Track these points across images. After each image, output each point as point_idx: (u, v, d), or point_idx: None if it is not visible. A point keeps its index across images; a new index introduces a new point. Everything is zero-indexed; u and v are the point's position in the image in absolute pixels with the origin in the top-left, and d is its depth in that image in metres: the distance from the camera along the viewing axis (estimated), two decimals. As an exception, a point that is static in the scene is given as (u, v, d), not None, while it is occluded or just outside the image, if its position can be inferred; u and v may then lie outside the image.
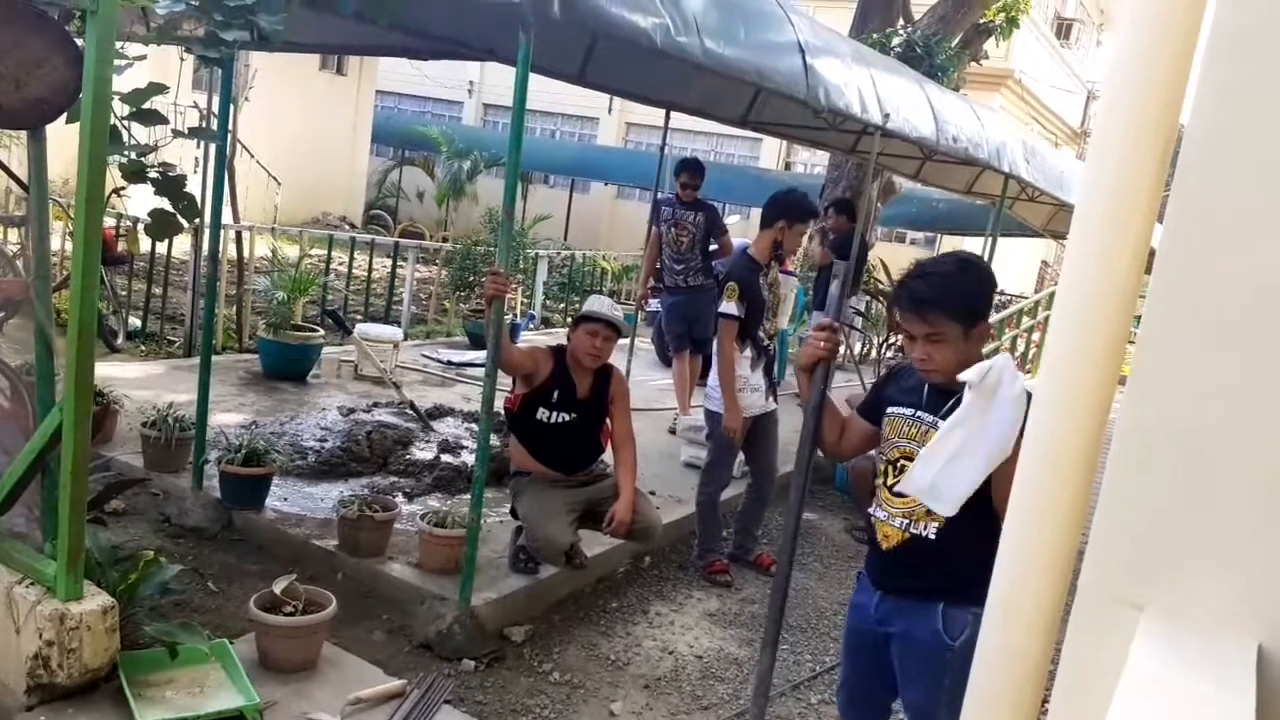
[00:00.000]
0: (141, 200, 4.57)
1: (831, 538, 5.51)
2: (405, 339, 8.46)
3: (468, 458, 5.51)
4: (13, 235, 7.85)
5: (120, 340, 7.22)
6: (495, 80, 22.04)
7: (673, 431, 6.59)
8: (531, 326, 10.17)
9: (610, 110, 20.70)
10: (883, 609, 2.46)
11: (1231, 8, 0.89)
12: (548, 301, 11.44)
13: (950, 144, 6.63)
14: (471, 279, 9.40)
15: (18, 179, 3.03)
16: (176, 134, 3.43)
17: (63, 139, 2.99)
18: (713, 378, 4.67)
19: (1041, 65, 18.47)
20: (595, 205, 20.10)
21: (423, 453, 5.53)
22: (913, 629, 2.40)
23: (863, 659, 2.60)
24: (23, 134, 3.27)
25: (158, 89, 3.25)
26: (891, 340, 7.41)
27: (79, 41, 2.81)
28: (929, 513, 2.34)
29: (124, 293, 8.18)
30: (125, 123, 3.23)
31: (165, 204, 3.41)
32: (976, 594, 2.25)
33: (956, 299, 2.30)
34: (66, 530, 2.73)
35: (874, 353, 7.91)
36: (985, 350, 2.46)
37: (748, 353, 4.57)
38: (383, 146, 20.86)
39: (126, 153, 3.25)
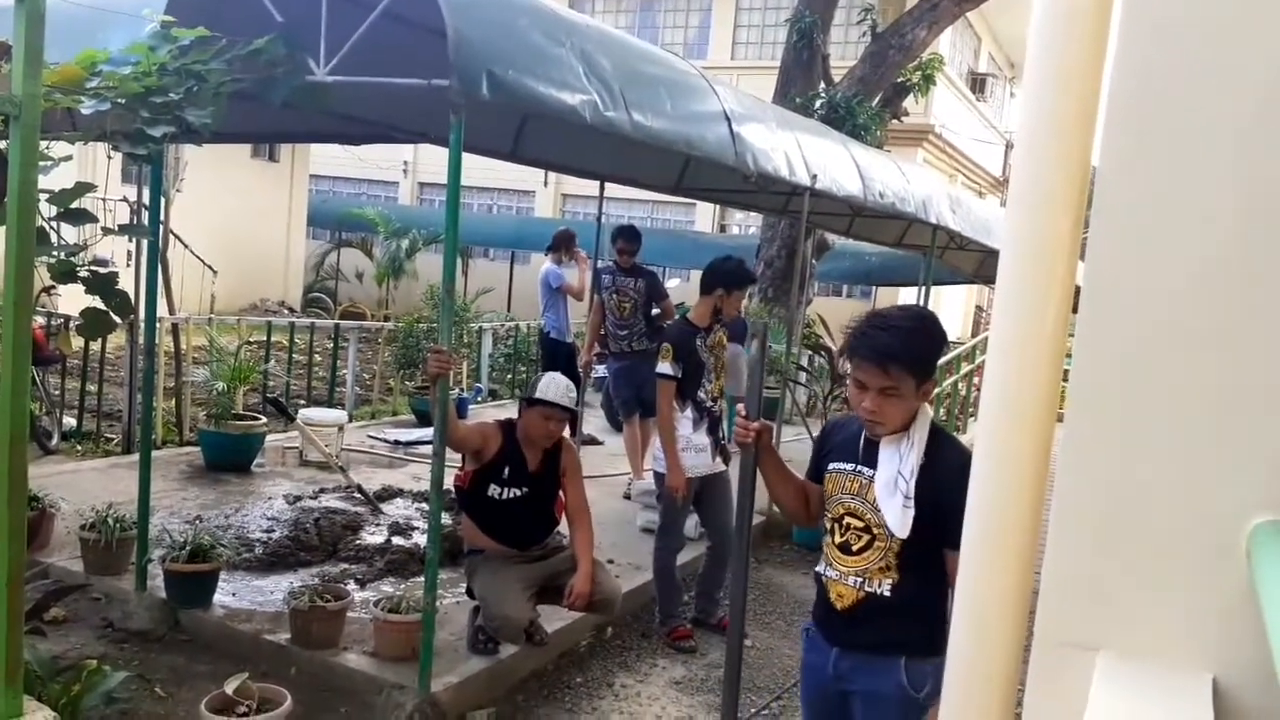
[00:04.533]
0: (73, 297, 4.51)
1: (793, 594, 5.50)
2: (350, 421, 8.35)
3: (420, 539, 5.42)
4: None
5: (55, 441, 7.01)
6: (429, 159, 22.16)
7: (628, 497, 6.56)
8: (479, 400, 10.10)
9: (546, 183, 20.90)
10: (841, 666, 2.44)
11: (1129, 55, 0.94)
12: (494, 374, 11.40)
13: (878, 200, 6.83)
14: (415, 356, 9.34)
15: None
16: (107, 231, 3.40)
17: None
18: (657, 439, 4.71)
19: (959, 119, 19.14)
20: (536, 276, 20.13)
21: (373, 537, 5.43)
22: (876, 685, 2.39)
23: (824, 718, 2.58)
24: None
25: (86, 188, 3.21)
26: (836, 392, 7.50)
27: (1, 145, 2.79)
28: (882, 569, 2.35)
29: (57, 392, 7.96)
30: (53, 223, 3.18)
31: (97, 302, 3.36)
32: (937, 646, 2.28)
33: (918, 354, 2.30)
34: (3, 645, 2.62)
35: (819, 404, 8.00)
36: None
37: (689, 413, 4.61)
38: (319, 230, 20.77)
39: (55, 253, 3.20)
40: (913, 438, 2.33)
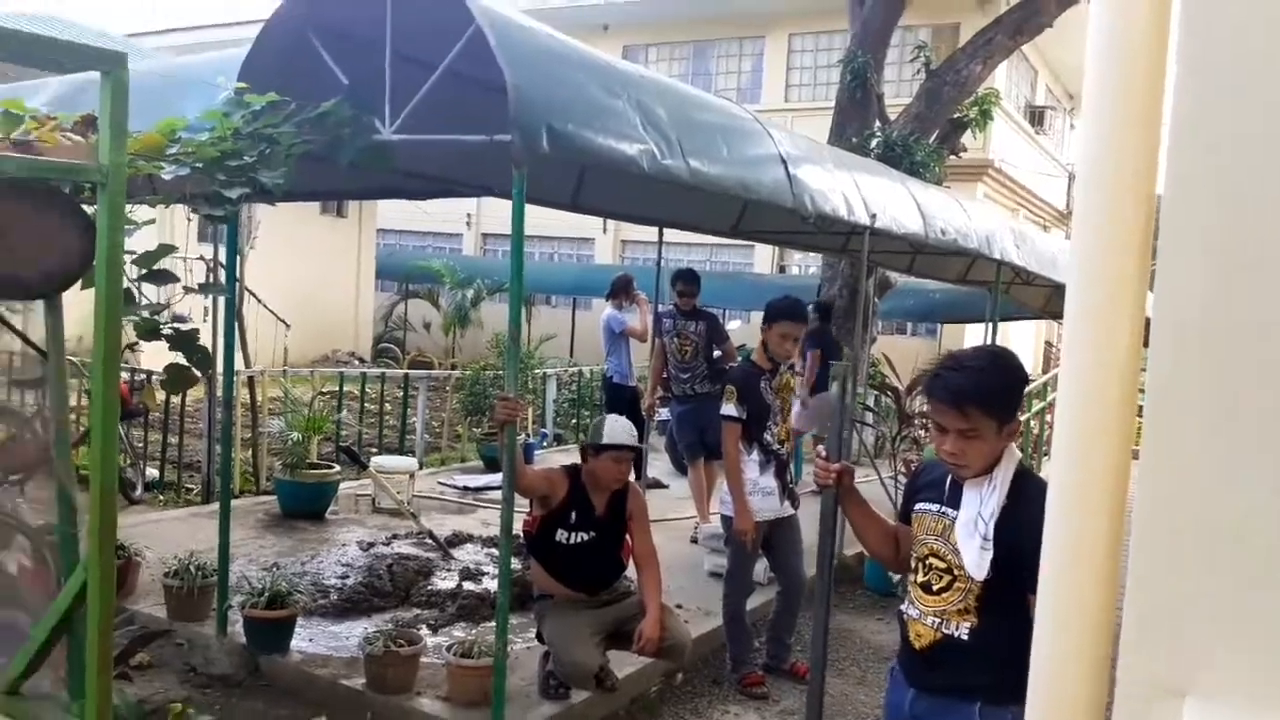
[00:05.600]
0: (154, 353, 4.70)
1: (867, 640, 5.40)
2: (421, 468, 8.47)
3: (490, 584, 5.46)
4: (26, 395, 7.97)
5: (139, 492, 7.24)
6: (492, 211, 22.60)
7: (694, 541, 6.54)
8: (545, 445, 10.18)
9: (605, 230, 21.15)
10: (918, 707, 2.41)
11: (1191, 79, 0.94)
12: (559, 418, 11.49)
13: (939, 237, 6.78)
14: (482, 403, 9.48)
15: (36, 346, 3.11)
16: (187, 290, 3.54)
17: (77, 298, 3.09)
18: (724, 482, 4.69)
19: (1019, 152, 18.94)
20: (597, 321, 20.31)
21: (444, 582, 5.49)
22: None
23: None
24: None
25: (168, 249, 3.36)
26: (904, 433, 7.41)
27: (89, 210, 2.92)
28: (961, 611, 2.32)
29: (140, 444, 8.23)
30: (137, 284, 3.33)
31: (179, 358, 3.50)
32: (1014, 693, 2.23)
33: (994, 394, 2.28)
34: (94, 689, 2.71)
35: (888, 445, 7.90)
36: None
37: (755, 456, 4.59)
38: (387, 282, 21.28)
39: (140, 312, 3.34)
40: (996, 479, 2.30)
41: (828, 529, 2.58)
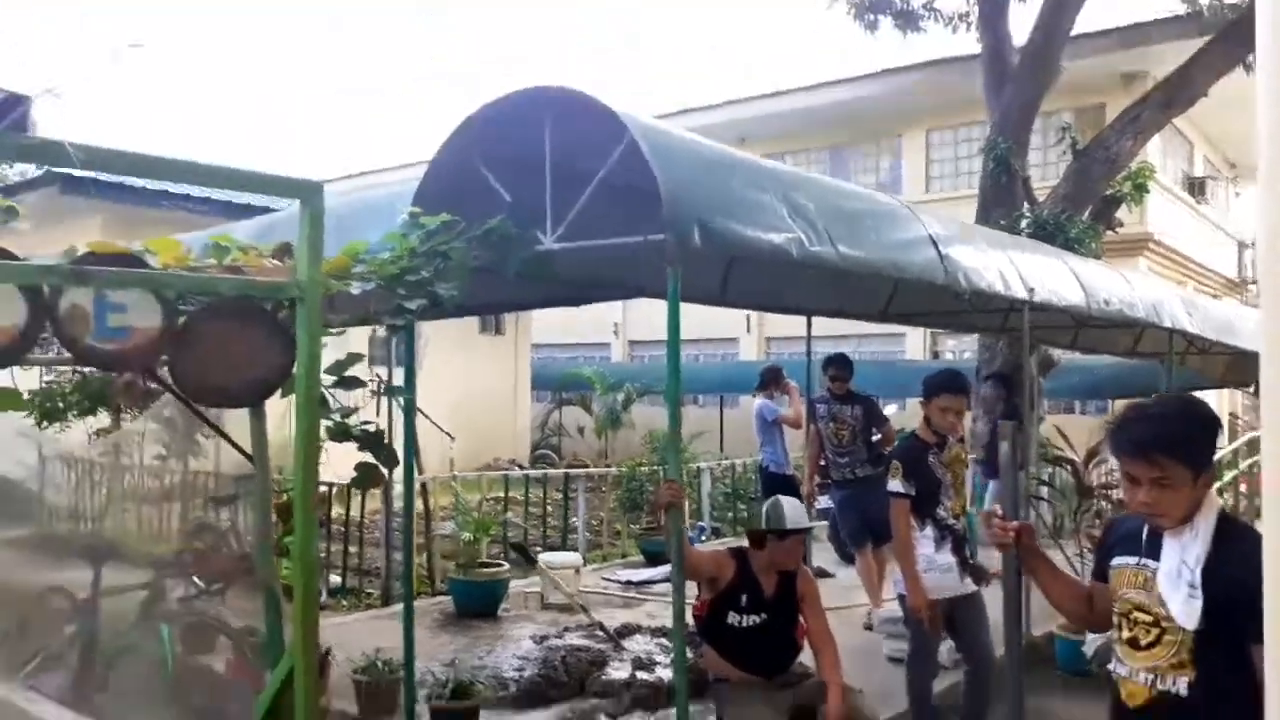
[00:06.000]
0: (329, 464, 5.11)
1: (1061, 718, 5.10)
2: (584, 564, 8.61)
3: (663, 673, 5.47)
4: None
5: (323, 597, 7.64)
6: (637, 319, 23.29)
7: (869, 628, 6.37)
8: (704, 538, 10.13)
9: (749, 329, 21.35)
10: None
11: None
12: (715, 512, 11.48)
13: (1103, 308, 6.58)
14: (640, 499, 9.63)
15: (244, 451, 3.43)
16: (375, 393, 3.84)
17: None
18: None
19: (1181, 224, 18.16)
20: (745, 417, 20.35)
21: (618, 672, 5.53)
22: None
23: None
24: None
25: (356, 358, 3.68)
26: (1085, 507, 7.07)
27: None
28: (1175, 665, 2.22)
29: (322, 553, 8.71)
30: (330, 390, 3.64)
31: (349, 462, 3.77)
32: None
33: (1182, 440, 2.24)
34: (303, 771, 2.88)
35: (1067, 522, 7.53)
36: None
37: (929, 532, 4.50)
38: (541, 391, 22.04)
39: (332, 416, 3.64)
40: (1198, 526, 2.23)
41: (1012, 592, 2.53)
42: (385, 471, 3.78)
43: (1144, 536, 2.34)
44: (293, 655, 2.94)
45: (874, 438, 6.90)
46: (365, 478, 3.66)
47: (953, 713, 4.77)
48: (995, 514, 2.59)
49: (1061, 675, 5.78)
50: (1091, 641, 5.40)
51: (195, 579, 5.93)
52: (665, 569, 8.32)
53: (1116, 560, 2.40)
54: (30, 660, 4.97)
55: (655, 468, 10.09)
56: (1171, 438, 2.24)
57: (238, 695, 4.53)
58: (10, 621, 5.19)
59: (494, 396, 18.77)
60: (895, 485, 4.50)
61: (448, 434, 15.06)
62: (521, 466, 18.21)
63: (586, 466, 17.14)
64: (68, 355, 2.92)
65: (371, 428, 3.84)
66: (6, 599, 5.52)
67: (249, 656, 4.91)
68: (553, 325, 21.37)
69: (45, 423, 7.23)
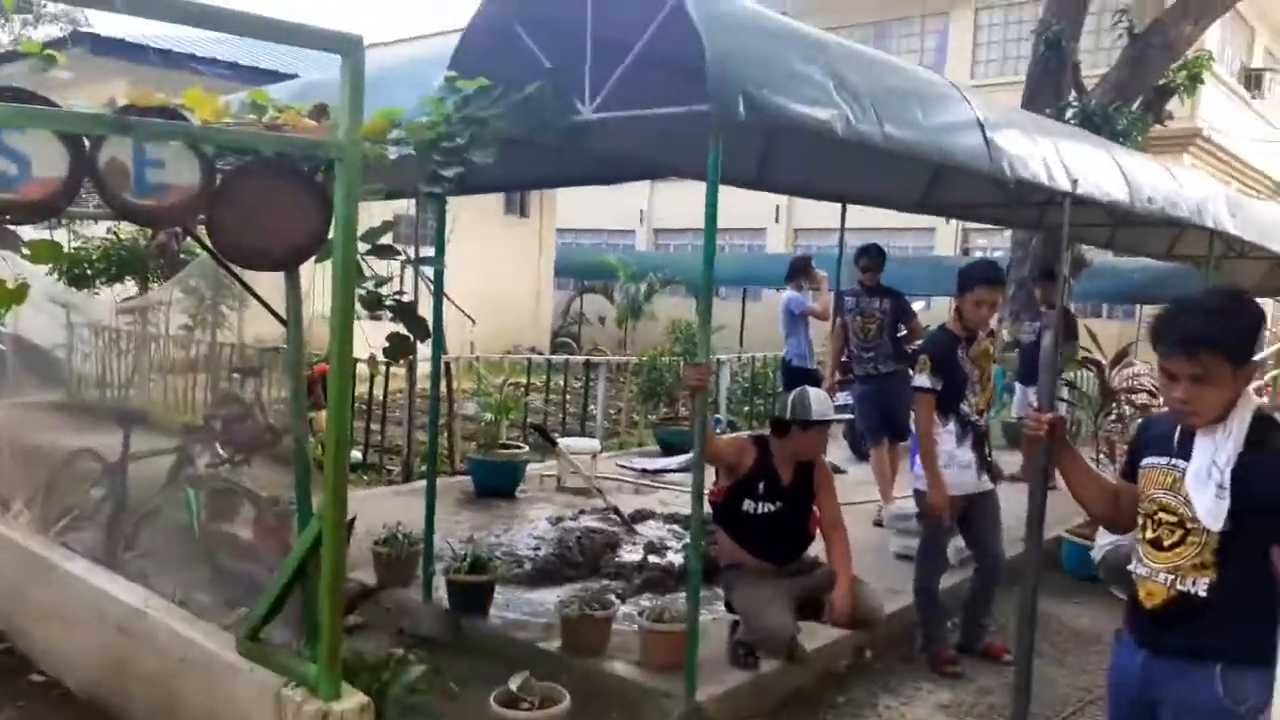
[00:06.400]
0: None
1: (1066, 623, 5.17)
2: (601, 451, 8.69)
3: (674, 558, 5.57)
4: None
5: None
6: (664, 207, 22.98)
7: (879, 524, 6.41)
8: (720, 431, 10.17)
9: (777, 219, 21.05)
10: (1149, 671, 2.29)
11: None
12: (732, 405, 11.51)
13: (1145, 205, 6.36)
14: (659, 389, 9.64)
15: (278, 315, 3.39)
16: (407, 262, 3.78)
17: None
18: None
19: (1232, 120, 17.52)
20: (767, 311, 20.28)
21: (630, 555, 5.63)
22: (1187, 695, 2.22)
23: None
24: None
25: (390, 225, 3.60)
26: (1107, 411, 7.00)
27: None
28: (1197, 566, 2.19)
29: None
30: (363, 258, 3.57)
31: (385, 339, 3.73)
32: (1264, 654, 2.10)
33: (1228, 336, 2.16)
34: (327, 632, 2.93)
35: (1086, 425, 7.48)
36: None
37: (951, 428, 4.45)
38: (563, 279, 21.96)
39: (366, 285, 3.59)
40: (1231, 426, 2.17)
41: (1039, 485, 2.49)
42: (416, 343, 3.74)
43: (1176, 437, 2.29)
44: (321, 518, 2.96)
45: (900, 334, 6.81)
46: (397, 349, 3.63)
47: (956, 609, 4.82)
48: (1030, 405, 2.53)
49: (1067, 579, 5.81)
50: (1100, 548, 5.41)
51: (220, 448, 6.01)
52: (680, 459, 8.41)
53: (1147, 460, 2.35)
54: (62, 518, 5.08)
55: (676, 358, 10.06)
56: (1217, 332, 2.16)
57: (264, 559, 4.61)
58: (41, 480, 5.28)
59: (516, 281, 18.69)
60: (922, 380, 4.43)
61: (469, 316, 15.07)
62: (541, 354, 18.32)
63: (606, 355, 17.25)
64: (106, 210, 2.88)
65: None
66: (37, 459, 5.61)
67: (274, 523, 4.99)
68: (578, 210, 21.17)
69: (73, 288, 7.20)
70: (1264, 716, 2.05)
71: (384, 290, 3.62)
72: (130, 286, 10.91)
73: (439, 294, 4.60)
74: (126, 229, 10.58)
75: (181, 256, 8.64)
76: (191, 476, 5.03)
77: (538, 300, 19.66)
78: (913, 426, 4.65)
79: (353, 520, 5.13)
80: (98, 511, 5.23)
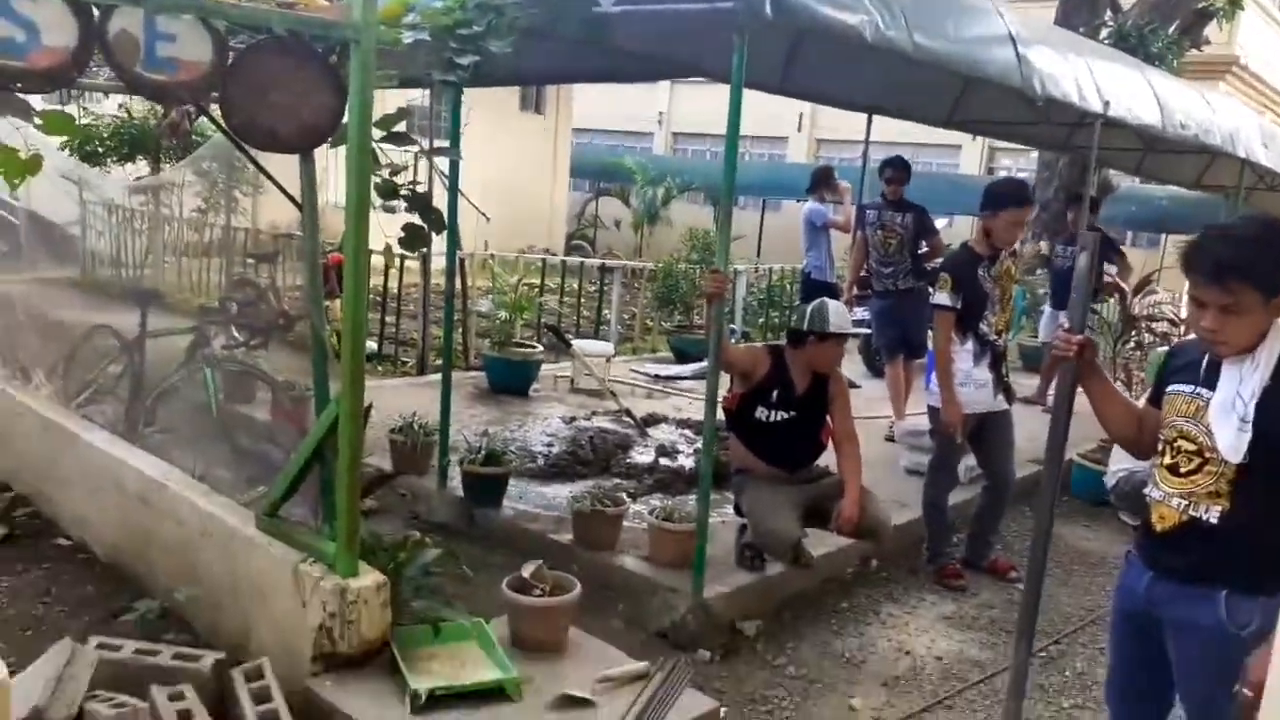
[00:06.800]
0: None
1: (1072, 545, 5.25)
2: (614, 355, 8.73)
3: (685, 461, 5.64)
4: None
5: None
6: (683, 110, 22.55)
7: (890, 439, 6.46)
8: (734, 342, 10.17)
9: (800, 128, 20.67)
10: (1154, 591, 2.33)
11: None
12: (747, 317, 11.49)
13: (1178, 131, 6.20)
14: (674, 295, 9.61)
15: (293, 199, 3.36)
16: (422, 153, 3.72)
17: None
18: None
19: (1271, 48, 17.00)
20: (787, 222, 20.07)
21: (642, 456, 5.70)
22: (1191, 616, 2.25)
23: (1132, 647, 2.47)
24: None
25: (405, 113, 3.54)
26: (1127, 338, 6.98)
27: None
28: (1211, 494, 2.20)
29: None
30: (379, 145, 3.52)
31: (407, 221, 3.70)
32: (1265, 583, 2.13)
33: (1262, 266, 2.12)
34: (344, 511, 2.99)
35: (1104, 351, 7.47)
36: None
37: (969, 346, 4.44)
38: (579, 180, 21.69)
39: (381, 173, 3.54)
40: (1258, 358, 2.16)
41: (1063, 407, 2.49)
42: (431, 235, 3.72)
43: (1204, 366, 2.27)
44: (339, 403, 2.99)
45: (920, 250, 6.73)
46: (413, 239, 3.62)
47: (963, 524, 4.88)
48: (1061, 326, 2.51)
49: (1076, 503, 5.87)
50: (1113, 474, 5.45)
51: (235, 332, 6.05)
52: (693, 366, 8.43)
53: (1172, 387, 2.34)
54: (82, 391, 5.15)
55: (692, 266, 10.00)
56: (1249, 262, 2.12)
57: (280, 440, 4.69)
58: (61, 354, 5.33)
59: (531, 180, 18.48)
60: (942, 298, 4.39)
61: (483, 214, 14.98)
62: (555, 255, 18.25)
63: (621, 260, 17.18)
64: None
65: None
66: (56, 333, 5.66)
67: (290, 406, 5.06)
68: (595, 110, 20.77)
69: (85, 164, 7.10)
70: (1266, 642, 2.08)
71: (399, 180, 3.59)
72: (142, 166, 10.84)
73: (454, 186, 4.55)
74: (138, 107, 10.43)
75: (194, 138, 8.54)
76: (208, 357, 5.07)
77: (552, 201, 19.47)
78: (929, 344, 4.64)
79: (369, 408, 5.17)
80: (115, 387, 5.31)
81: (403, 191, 3.57)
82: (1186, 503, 2.24)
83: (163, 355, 5.37)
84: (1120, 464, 5.28)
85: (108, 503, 3.98)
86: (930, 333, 4.66)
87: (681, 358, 8.95)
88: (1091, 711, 3.51)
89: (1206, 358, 2.27)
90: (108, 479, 3.98)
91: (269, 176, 3.44)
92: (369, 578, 3.04)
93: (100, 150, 10.08)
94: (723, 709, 3.18)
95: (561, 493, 4.95)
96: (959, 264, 4.51)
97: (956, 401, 4.38)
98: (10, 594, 3.74)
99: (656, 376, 8.37)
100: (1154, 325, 7.12)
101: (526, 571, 3.38)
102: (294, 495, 3.31)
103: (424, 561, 3.28)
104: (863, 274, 7.15)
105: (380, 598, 3.04)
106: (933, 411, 4.60)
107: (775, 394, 4.10)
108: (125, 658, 2.95)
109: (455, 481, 4.80)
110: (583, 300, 10.27)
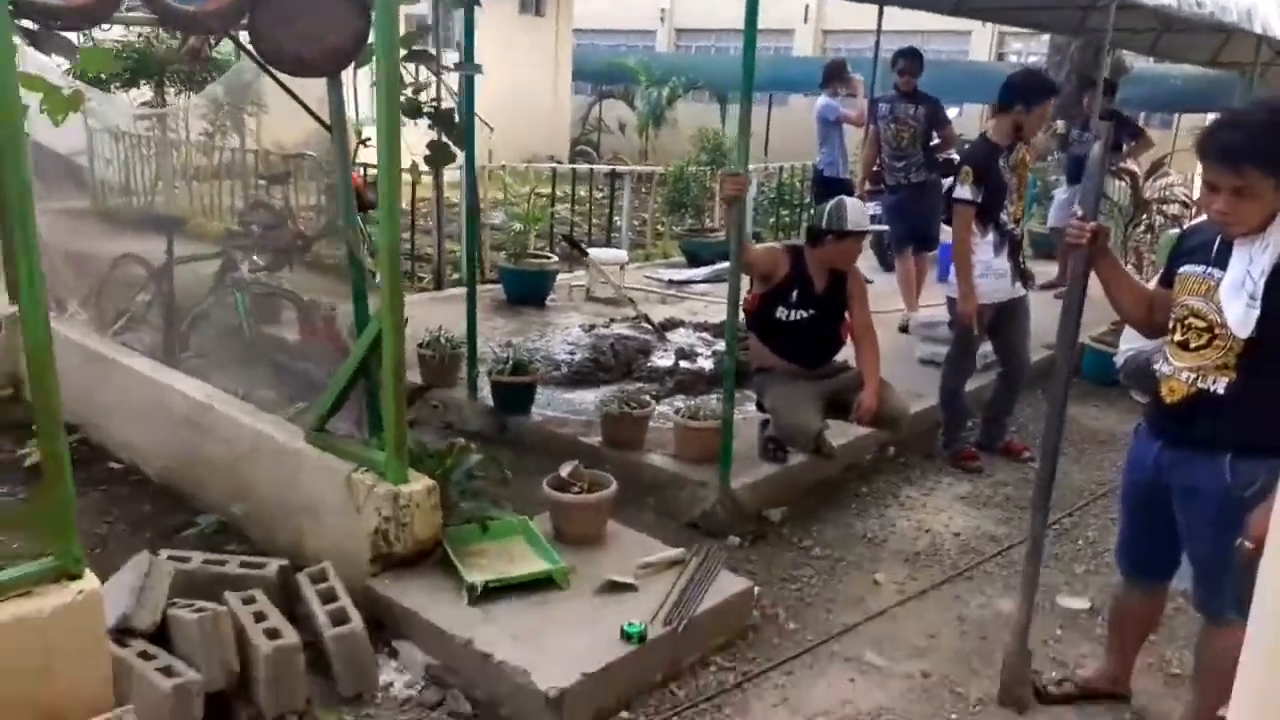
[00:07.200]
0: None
1: (1084, 425, 5.41)
2: (628, 262, 8.80)
3: (704, 364, 5.77)
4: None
5: (378, 280, 7.91)
6: (685, 6, 22.04)
7: (904, 329, 6.57)
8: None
9: (806, 19, 20.23)
10: (1163, 459, 2.48)
11: None
12: (757, 217, 11.47)
13: (1194, 10, 6.14)
14: (685, 199, 9.60)
15: (322, 121, 3.43)
16: (443, 68, 3.76)
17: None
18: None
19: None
20: (795, 118, 19.77)
21: (662, 360, 5.84)
22: (1197, 480, 2.41)
23: (1142, 515, 2.64)
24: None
25: (426, 30, 3.58)
26: (1138, 221, 7.02)
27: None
28: (1219, 367, 2.33)
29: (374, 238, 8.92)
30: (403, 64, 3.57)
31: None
32: (1269, 446, 2.27)
33: (1273, 152, 2.21)
34: (392, 420, 3.15)
35: (1115, 235, 7.51)
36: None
37: (990, 237, 4.51)
38: (581, 83, 21.33)
39: (405, 91, 3.59)
40: (1269, 238, 2.25)
41: (1077, 291, 2.59)
42: (457, 151, 3.79)
43: (1215, 247, 2.38)
44: (381, 316, 3.12)
45: (933, 142, 6.73)
46: (438, 155, 3.68)
47: (977, 410, 5.03)
48: (1075, 214, 2.60)
49: (1087, 384, 6.00)
50: (1122, 353, 5.55)
51: (255, 256, 6.13)
52: (706, 270, 8.50)
53: (1184, 268, 2.45)
54: (116, 320, 5.29)
55: (702, 169, 9.96)
56: (1261, 147, 2.21)
57: (312, 358, 4.83)
58: (92, 283, 5.45)
59: (533, 86, 18.21)
60: (964, 192, 4.43)
61: (486, 124, 14.89)
62: (560, 163, 18.11)
63: (627, 164, 17.05)
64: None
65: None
66: (83, 263, 5.76)
67: (319, 324, 5.18)
68: (595, 9, 20.32)
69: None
70: (1267, 501, 2.23)
71: (421, 97, 3.64)
72: (146, 91, 10.75)
73: (469, 100, 4.56)
74: (141, 31, 10.27)
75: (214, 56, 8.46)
76: (238, 280, 5.18)
77: (555, 107, 19.21)
78: (945, 238, 4.70)
79: (405, 321, 5.34)
80: (147, 314, 5.44)
81: (426, 109, 3.63)
82: (1195, 376, 2.37)
83: (189, 281, 5.49)
84: (1129, 344, 5.38)
85: (155, 426, 4.14)
86: (944, 226, 4.72)
87: (694, 261, 9.00)
88: (1104, 576, 3.70)
89: (1218, 239, 2.37)
90: (152, 404, 4.13)
91: (300, 102, 3.50)
92: (419, 483, 3.21)
93: (103, 75, 10.02)
94: (755, 588, 3.37)
95: (586, 398, 5.11)
96: (980, 156, 4.53)
97: (974, 295, 4.48)
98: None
99: (670, 281, 8.44)
100: (1165, 208, 7.14)
101: (564, 471, 3.56)
102: (340, 410, 3.47)
103: (468, 466, 3.45)
104: (875, 169, 7.16)
105: (431, 500, 3.22)
106: (951, 303, 4.70)
107: (795, 293, 4.20)
108: (194, 568, 3.14)
109: (484, 392, 4.95)
110: (592, 208, 10.27)
